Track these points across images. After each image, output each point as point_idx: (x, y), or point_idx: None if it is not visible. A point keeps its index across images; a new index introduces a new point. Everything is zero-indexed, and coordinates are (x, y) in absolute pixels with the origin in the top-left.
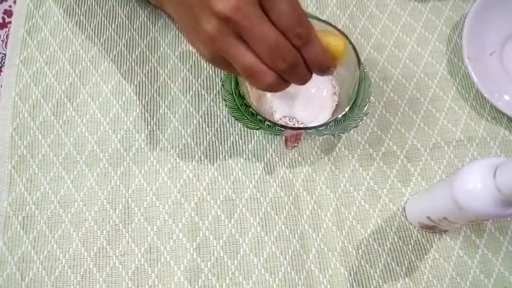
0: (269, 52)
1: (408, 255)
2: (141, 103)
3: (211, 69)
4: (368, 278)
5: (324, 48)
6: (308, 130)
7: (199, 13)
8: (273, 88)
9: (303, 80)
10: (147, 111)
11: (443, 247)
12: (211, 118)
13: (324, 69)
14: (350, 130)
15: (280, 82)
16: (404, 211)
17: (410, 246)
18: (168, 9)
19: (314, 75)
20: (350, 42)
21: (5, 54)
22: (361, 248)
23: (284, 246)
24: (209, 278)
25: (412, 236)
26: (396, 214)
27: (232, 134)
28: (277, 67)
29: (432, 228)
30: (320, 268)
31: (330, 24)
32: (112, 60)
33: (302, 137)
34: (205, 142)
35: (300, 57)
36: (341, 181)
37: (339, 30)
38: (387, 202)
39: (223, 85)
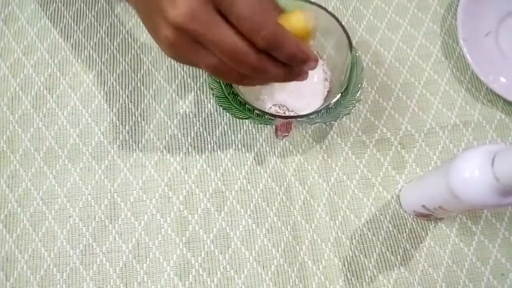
0: (227, 58)
1: (403, 244)
2: (125, 93)
3: None
4: (362, 268)
5: (297, 44)
6: (299, 119)
7: (156, 19)
8: (245, 84)
9: (276, 80)
10: (131, 102)
11: (438, 235)
12: (198, 108)
13: (304, 65)
14: (343, 117)
15: (251, 80)
16: (399, 199)
17: (405, 234)
18: (131, 5)
19: None
20: (340, 24)
21: None
22: (355, 238)
23: (277, 238)
24: (200, 273)
25: (407, 224)
26: (390, 203)
27: (221, 124)
28: (240, 71)
29: (427, 216)
30: (313, 259)
31: (317, 5)
32: (92, 49)
33: (293, 126)
34: (192, 133)
35: (264, 60)
36: (334, 170)
37: (330, 12)
38: (381, 190)
39: None
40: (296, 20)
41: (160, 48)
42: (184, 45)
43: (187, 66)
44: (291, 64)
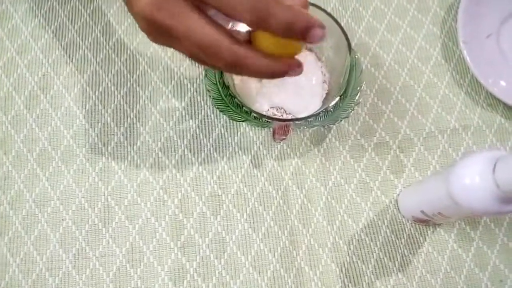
0: (199, 52)
1: (401, 249)
2: (120, 94)
3: None
4: (360, 274)
5: (292, 9)
6: (296, 122)
7: (130, 10)
8: (236, 73)
9: (262, 76)
10: (126, 103)
11: (437, 241)
12: (194, 110)
13: (307, 33)
14: (341, 120)
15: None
16: (397, 204)
17: (403, 240)
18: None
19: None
20: (339, 26)
21: None
22: (353, 243)
23: (273, 243)
24: (194, 278)
25: (405, 229)
26: (388, 207)
27: (217, 126)
28: (215, 65)
29: (426, 221)
30: (310, 265)
31: (316, 6)
32: (87, 48)
33: (290, 128)
34: (188, 135)
35: (241, 55)
36: (332, 174)
37: (329, 14)
38: (379, 194)
39: (206, 74)
40: None
41: None
42: (158, 35)
43: (184, 67)
44: (291, 37)
